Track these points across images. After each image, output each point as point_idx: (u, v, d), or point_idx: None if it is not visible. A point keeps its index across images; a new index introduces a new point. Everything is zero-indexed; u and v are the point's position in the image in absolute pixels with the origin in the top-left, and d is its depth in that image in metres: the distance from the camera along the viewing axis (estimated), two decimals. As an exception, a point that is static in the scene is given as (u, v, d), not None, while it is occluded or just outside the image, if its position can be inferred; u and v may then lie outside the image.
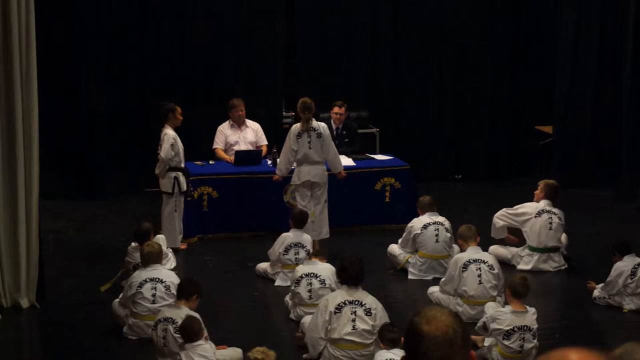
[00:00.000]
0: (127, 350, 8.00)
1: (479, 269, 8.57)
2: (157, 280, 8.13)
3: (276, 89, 13.68)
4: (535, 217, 9.95)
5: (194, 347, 6.90)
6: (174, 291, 8.06)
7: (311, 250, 9.39)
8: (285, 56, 13.78)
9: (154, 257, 8.25)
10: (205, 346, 6.93)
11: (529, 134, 14.18)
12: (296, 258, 9.45)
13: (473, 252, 8.73)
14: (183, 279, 8.08)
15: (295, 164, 10.34)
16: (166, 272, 8.35)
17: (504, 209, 10.21)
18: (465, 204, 12.73)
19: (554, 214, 9.99)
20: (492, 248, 10.01)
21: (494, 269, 8.61)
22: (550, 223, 9.94)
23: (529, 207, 10.09)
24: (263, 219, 10.96)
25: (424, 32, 14.00)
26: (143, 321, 8.08)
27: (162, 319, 7.39)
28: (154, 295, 8.10)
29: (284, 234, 9.59)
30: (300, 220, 9.68)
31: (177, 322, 7.28)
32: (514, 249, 10.17)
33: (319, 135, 10.21)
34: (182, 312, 7.34)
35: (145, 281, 8.12)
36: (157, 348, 7.42)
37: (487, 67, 14.24)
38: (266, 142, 11.87)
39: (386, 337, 6.99)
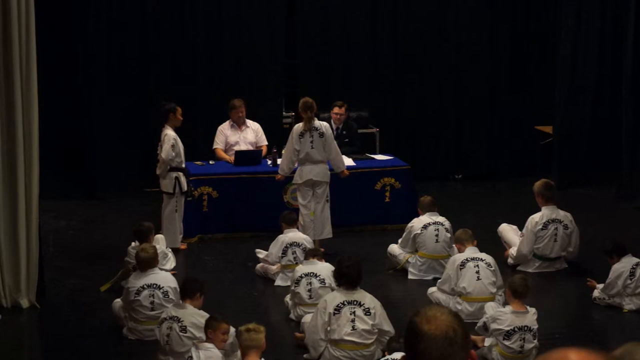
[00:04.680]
0: (127, 350, 8.00)
1: (477, 266, 8.60)
2: (154, 286, 8.09)
3: (276, 89, 13.68)
4: (542, 229, 9.86)
5: (204, 346, 6.93)
6: (172, 296, 8.06)
7: (307, 247, 9.40)
8: (285, 56, 13.78)
9: (150, 262, 8.20)
10: (214, 351, 6.93)
11: (529, 134, 14.17)
12: (294, 258, 9.47)
13: (471, 252, 8.77)
14: (185, 278, 8.07)
15: (297, 164, 10.36)
16: (163, 277, 8.27)
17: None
18: (465, 204, 12.73)
19: (559, 222, 9.87)
20: (503, 226, 10.14)
21: (491, 267, 8.64)
22: (556, 234, 9.88)
23: (534, 219, 9.92)
24: (263, 219, 10.95)
25: (424, 32, 14.00)
26: (142, 326, 8.09)
27: (167, 318, 7.42)
28: (152, 303, 8.07)
29: (280, 236, 9.64)
30: (289, 220, 9.76)
31: (182, 321, 7.34)
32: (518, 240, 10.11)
33: (321, 134, 10.22)
34: (187, 312, 7.41)
35: (143, 288, 8.08)
36: (160, 346, 7.43)
37: (487, 66, 14.23)
38: (266, 143, 11.86)
39: (392, 348, 6.97)
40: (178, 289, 8.05)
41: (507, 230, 10.28)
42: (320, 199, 10.36)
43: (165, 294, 8.07)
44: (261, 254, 9.85)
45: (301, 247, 9.49)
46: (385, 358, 6.70)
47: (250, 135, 11.86)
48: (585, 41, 13.46)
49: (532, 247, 9.85)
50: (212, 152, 11.83)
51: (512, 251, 10.00)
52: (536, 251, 9.90)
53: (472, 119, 14.27)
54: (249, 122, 11.89)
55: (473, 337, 7.66)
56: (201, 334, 7.21)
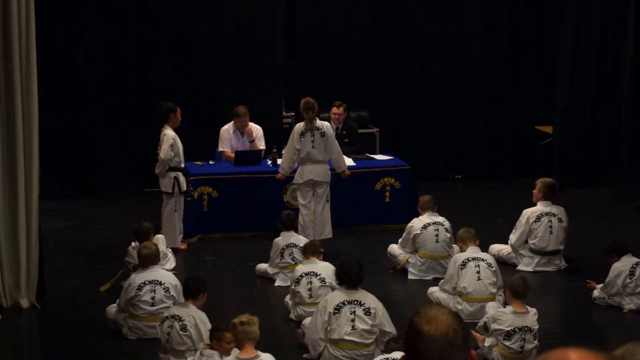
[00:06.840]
0: (127, 350, 8.01)
1: (478, 265, 8.61)
2: (155, 282, 8.13)
3: (276, 89, 13.67)
4: (535, 221, 9.90)
5: (207, 353, 6.96)
6: (173, 293, 8.09)
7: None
8: (285, 56, 13.78)
9: (152, 259, 8.24)
10: (215, 359, 6.95)
11: (529, 134, 14.16)
12: (292, 258, 9.48)
13: (472, 251, 8.77)
14: (188, 277, 8.04)
15: (297, 163, 10.36)
16: (164, 274, 8.33)
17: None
18: (465, 204, 12.72)
19: (554, 215, 9.91)
20: (493, 246, 10.03)
21: (492, 267, 8.65)
22: (551, 227, 9.89)
23: (528, 213, 10.00)
24: (263, 219, 10.94)
25: (424, 32, 14.00)
26: (142, 322, 8.09)
27: (169, 316, 7.46)
28: (153, 298, 8.10)
29: (275, 240, 9.65)
30: (287, 222, 9.73)
31: (183, 319, 7.37)
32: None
33: (323, 134, 10.22)
34: (189, 311, 7.44)
35: (144, 284, 8.11)
36: (161, 344, 7.46)
37: (487, 67, 14.23)
38: (263, 147, 11.72)
39: (390, 348, 6.96)
40: (179, 287, 8.08)
41: (499, 247, 10.21)
42: (321, 199, 10.36)
43: (167, 290, 8.12)
44: (262, 267, 9.83)
45: (297, 248, 9.50)
46: (385, 357, 6.69)
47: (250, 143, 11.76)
48: (585, 41, 13.45)
49: (524, 238, 9.87)
50: (211, 152, 11.80)
51: (509, 242, 10.03)
52: (533, 246, 9.91)
53: (472, 119, 14.27)
54: (251, 125, 11.73)
55: (474, 333, 7.66)
56: (200, 334, 7.26)
